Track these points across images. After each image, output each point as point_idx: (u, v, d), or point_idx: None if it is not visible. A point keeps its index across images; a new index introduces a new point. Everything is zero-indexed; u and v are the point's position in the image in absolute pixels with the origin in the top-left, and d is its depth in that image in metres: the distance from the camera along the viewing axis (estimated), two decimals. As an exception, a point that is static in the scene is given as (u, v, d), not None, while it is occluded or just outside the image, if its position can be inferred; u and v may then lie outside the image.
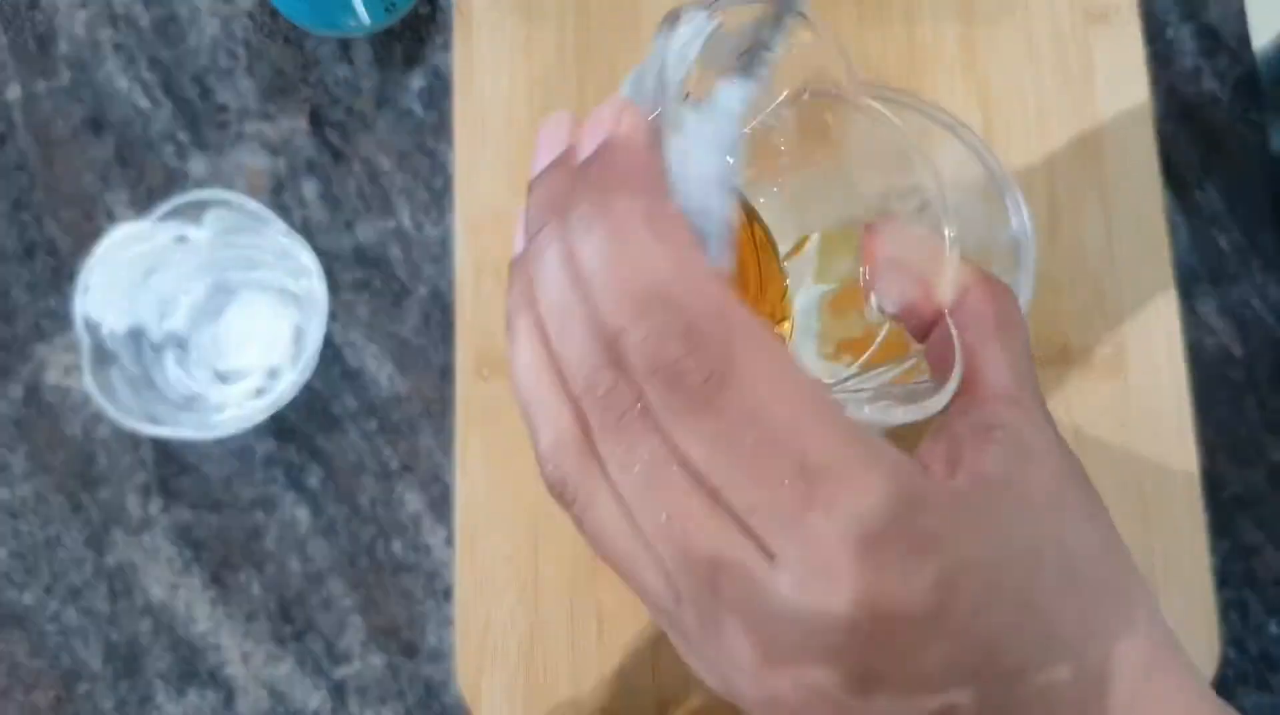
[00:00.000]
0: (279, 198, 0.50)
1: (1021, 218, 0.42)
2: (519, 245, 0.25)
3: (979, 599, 0.23)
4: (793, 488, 0.21)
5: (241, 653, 0.47)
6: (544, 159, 0.25)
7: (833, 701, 0.22)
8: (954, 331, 0.27)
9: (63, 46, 0.53)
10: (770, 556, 0.21)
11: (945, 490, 0.24)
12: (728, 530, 0.22)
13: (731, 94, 0.27)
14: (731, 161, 0.27)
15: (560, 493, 0.24)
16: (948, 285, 0.28)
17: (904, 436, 0.26)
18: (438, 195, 0.50)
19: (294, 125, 0.51)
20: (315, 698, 0.46)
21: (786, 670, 0.22)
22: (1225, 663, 0.45)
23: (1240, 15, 0.50)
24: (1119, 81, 0.49)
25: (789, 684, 0.22)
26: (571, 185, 0.24)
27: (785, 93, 0.34)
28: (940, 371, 0.27)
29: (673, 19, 0.26)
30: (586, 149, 0.24)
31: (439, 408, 0.48)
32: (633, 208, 0.23)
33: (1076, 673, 0.24)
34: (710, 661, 0.23)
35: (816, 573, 0.21)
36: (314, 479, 0.48)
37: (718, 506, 0.22)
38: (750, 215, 0.33)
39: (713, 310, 0.22)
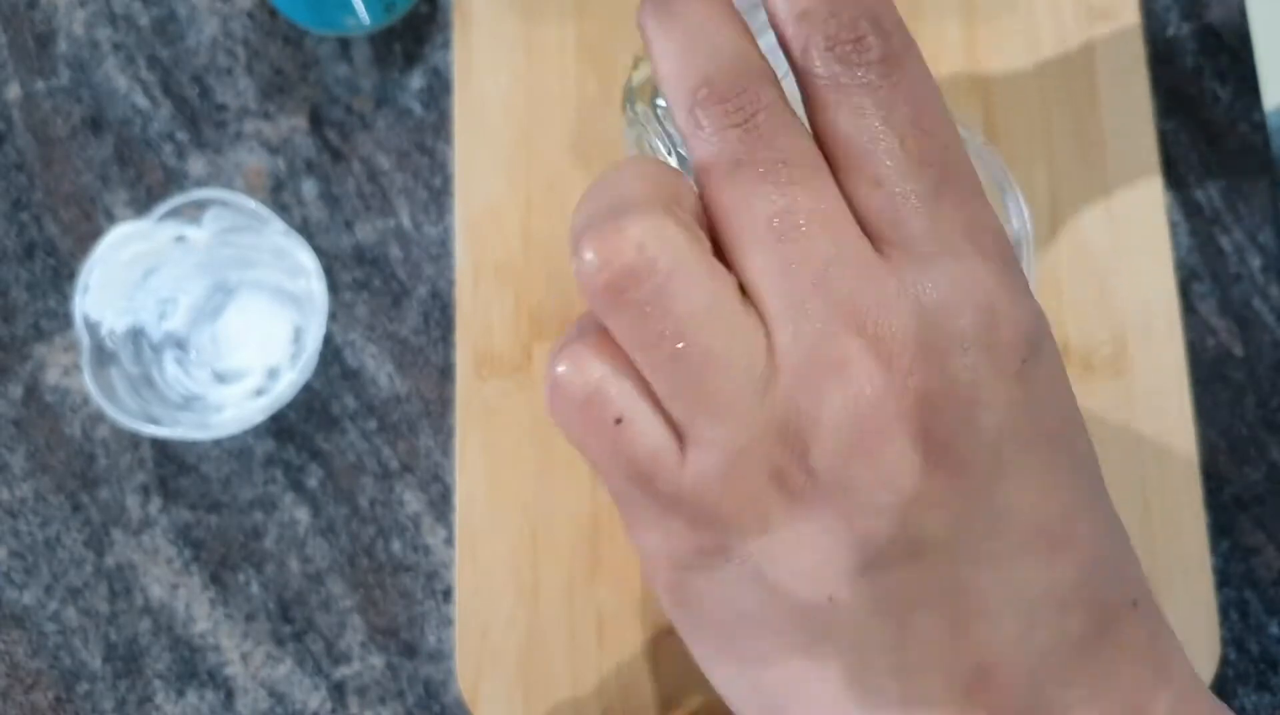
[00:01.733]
0: (278, 197, 0.50)
1: (1022, 216, 0.42)
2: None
3: (1055, 376, 0.23)
4: (931, 175, 0.22)
5: (241, 653, 0.47)
6: None
7: (962, 416, 0.21)
8: None
9: (61, 46, 0.53)
10: (888, 255, 0.22)
11: None
12: (849, 226, 0.22)
13: None
14: None
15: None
16: None
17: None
18: (437, 194, 0.50)
19: (293, 124, 0.51)
20: (315, 698, 0.46)
21: (915, 375, 0.21)
22: (1225, 663, 0.45)
23: (1242, 14, 0.50)
24: (1120, 80, 0.49)
25: (921, 382, 0.21)
26: None
27: None
28: None
29: None
30: None
31: (439, 408, 0.48)
32: None
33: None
34: (813, 399, 0.21)
35: (943, 253, 0.22)
36: (313, 479, 0.48)
37: (840, 204, 0.22)
38: None
39: (894, 16, 0.23)
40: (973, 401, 0.21)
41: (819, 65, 0.22)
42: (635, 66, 0.42)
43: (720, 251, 0.23)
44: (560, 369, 0.22)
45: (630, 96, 0.25)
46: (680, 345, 0.21)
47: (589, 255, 0.21)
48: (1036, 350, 0.22)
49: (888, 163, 0.22)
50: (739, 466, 0.22)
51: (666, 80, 0.23)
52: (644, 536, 0.24)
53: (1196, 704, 0.25)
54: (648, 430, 0.22)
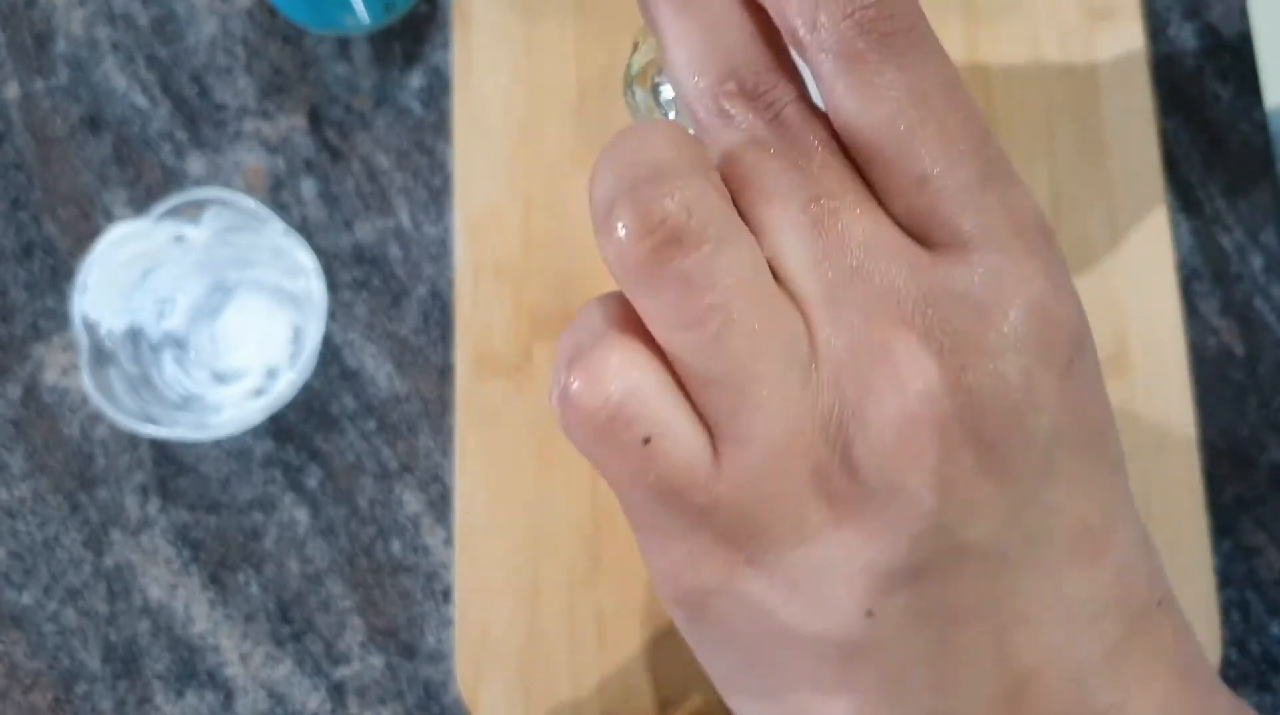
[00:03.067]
0: (277, 196, 0.50)
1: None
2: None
3: (1096, 374, 0.22)
4: (977, 164, 0.20)
5: (240, 653, 0.47)
6: None
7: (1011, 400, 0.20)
8: None
9: (60, 45, 0.52)
10: (933, 250, 0.20)
11: None
12: (885, 217, 0.20)
13: None
14: None
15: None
16: None
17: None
18: (437, 194, 0.50)
19: (292, 124, 0.51)
20: (314, 699, 0.46)
21: (968, 372, 0.20)
22: (1227, 663, 0.45)
23: (1242, 14, 0.50)
24: (1121, 80, 0.49)
25: (975, 380, 0.20)
26: None
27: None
28: None
29: None
30: None
31: (438, 408, 0.48)
32: None
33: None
34: (866, 398, 0.20)
35: (992, 249, 0.20)
36: (313, 479, 0.48)
37: (871, 198, 0.21)
38: None
39: None
40: (1026, 404, 0.20)
41: (834, 41, 0.20)
42: (635, 50, 0.42)
43: None
44: (575, 385, 0.20)
45: (630, 82, 0.25)
46: (725, 323, 0.19)
47: (625, 225, 0.19)
48: (1082, 348, 0.21)
49: (932, 155, 0.20)
50: (779, 463, 0.20)
51: (683, 68, 0.22)
52: (664, 554, 0.21)
53: (1217, 699, 0.24)
54: (680, 441, 0.20)
